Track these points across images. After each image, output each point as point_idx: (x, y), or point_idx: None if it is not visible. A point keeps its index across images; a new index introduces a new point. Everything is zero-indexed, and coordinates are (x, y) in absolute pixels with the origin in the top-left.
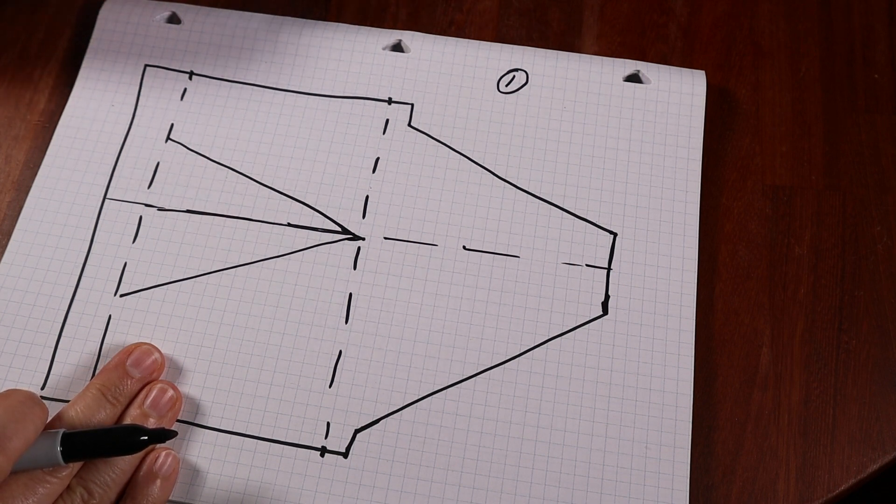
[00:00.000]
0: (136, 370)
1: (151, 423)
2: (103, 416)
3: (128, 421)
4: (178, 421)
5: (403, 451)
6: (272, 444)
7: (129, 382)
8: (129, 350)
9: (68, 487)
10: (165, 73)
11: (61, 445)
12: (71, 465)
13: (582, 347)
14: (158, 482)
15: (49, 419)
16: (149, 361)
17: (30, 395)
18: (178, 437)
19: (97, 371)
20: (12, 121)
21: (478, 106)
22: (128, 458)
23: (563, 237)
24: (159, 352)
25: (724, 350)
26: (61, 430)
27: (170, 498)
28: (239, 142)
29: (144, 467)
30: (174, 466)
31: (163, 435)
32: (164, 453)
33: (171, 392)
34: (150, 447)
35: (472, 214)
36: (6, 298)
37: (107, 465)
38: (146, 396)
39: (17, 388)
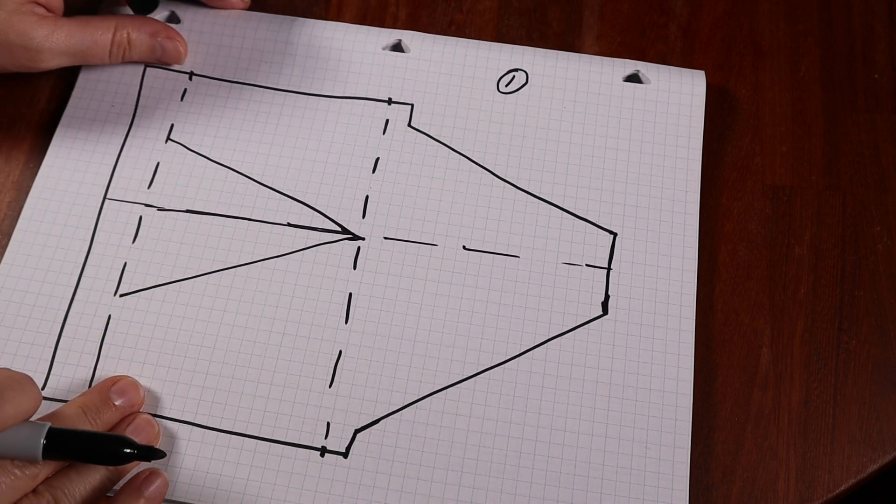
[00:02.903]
0: (118, 398)
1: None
2: None
3: None
4: (178, 421)
5: (403, 451)
6: (272, 444)
7: (110, 408)
8: (114, 379)
9: (35, 491)
10: (166, 74)
11: (45, 439)
12: (43, 465)
13: (582, 347)
14: (142, 502)
15: (35, 418)
16: (132, 394)
17: (29, 377)
18: (177, 436)
19: (87, 390)
20: (12, 121)
21: (478, 106)
22: (104, 473)
23: (563, 237)
24: (142, 388)
25: (724, 350)
26: (48, 424)
27: (170, 498)
28: (239, 142)
29: (129, 482)
30: (161, 491)
31: (150, 453)
32: (154, 473)
33: (155, 426)
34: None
35: (472, 214)
36: (6, 298)
37: (80, 476)
38: (128, 424)
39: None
